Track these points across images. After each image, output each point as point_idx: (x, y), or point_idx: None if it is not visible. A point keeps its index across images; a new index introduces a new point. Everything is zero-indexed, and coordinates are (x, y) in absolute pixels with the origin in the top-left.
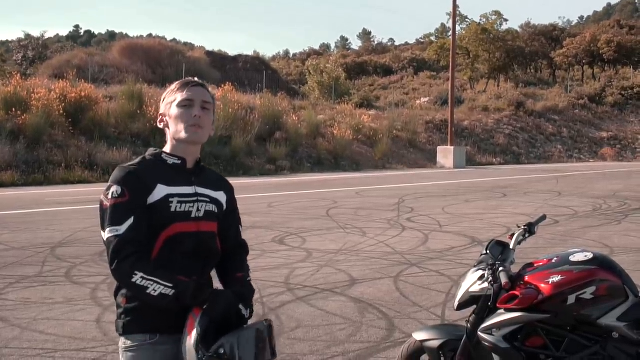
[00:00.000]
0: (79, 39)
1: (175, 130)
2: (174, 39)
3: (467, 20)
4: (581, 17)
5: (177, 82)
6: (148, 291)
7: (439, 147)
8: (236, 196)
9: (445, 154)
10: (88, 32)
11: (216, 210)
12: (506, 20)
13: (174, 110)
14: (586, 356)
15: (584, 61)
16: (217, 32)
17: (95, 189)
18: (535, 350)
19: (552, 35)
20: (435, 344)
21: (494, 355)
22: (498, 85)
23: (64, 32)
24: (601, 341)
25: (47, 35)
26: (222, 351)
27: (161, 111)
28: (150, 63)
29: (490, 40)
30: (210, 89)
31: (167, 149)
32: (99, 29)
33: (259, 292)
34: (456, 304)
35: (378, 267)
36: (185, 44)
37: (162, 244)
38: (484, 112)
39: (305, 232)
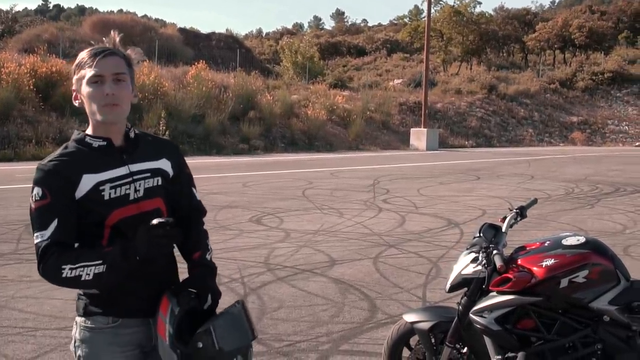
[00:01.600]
0: (48, 12)
1: (89, 110)
2: (145, 15)
3: (441, 2)
4: (552, 2)
5: (86, 51)
6: (82, 278)
7: (412, 129)
8: (211, 175)
9: (418, 136)
10: (57, 6)
11: (160, 182)
12: (480, 3)
13: (85, 89)
14: (577, 339)
15: (555, 46)
16: (188, 9)
17: None
18: (527, 333)
19: (525, 20)
20: (425, 325)
21: (485, 337)
22: (471, 68)
23: (32, 6)
24: (592, 324)
25: (15, 9)
26: (200, 345)
27: (73, 87)
28: (122, 39)
29: (464, 23)
30: (122, 51)
31: (90, 129)
32: (68, 3)
33: (240, 272)
34: (448, 286)
35: (357, 248)
36: (157, 20)
37: (108, 234)
38: (456, 94)
39: (282, 212)
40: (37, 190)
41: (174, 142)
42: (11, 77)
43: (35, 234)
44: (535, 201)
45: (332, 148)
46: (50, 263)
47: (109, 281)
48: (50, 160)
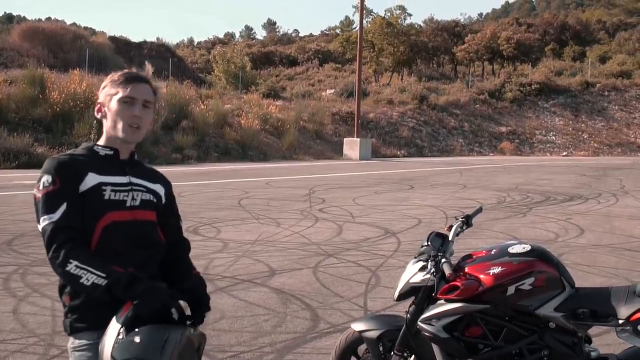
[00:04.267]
0: None
1: (112, 125)
2: (74, 23)
3: (372, 13)
4: (480, 14)
5: (121, 73)
6: (81, 280)
7: (345, 139)
8: None
9: (352, 146)
10: None
11: (154, 200)
12: (410, 14)
13: (114, 105)
14: (524, 345)
15: (484, 57)
16: (117, 17)
17: None
18: (475, 340)
19: (454, 31)
20: (374, 334)
21: (433, 345)
22: (402, 79)
23: None
24: (538, 331)
25: None
26: (137, 339)
27: (100, 99)
28: (51, 47)
29: (395, 34)
30: (153, 84)
31: (102, 141)
32: None
33: None
34: (396, 294)
35: (296, 258)
36: (86, 28)
37: (99, 234)
38: (388, 105)
39: (219, 222)
40: (47, 178)
41: (167, 178)
42: None
43: (42, 218)
44: (480, 210)
45: (266, 158)
46: (60, 253)
47: (101, 296)
48: (60, 155)
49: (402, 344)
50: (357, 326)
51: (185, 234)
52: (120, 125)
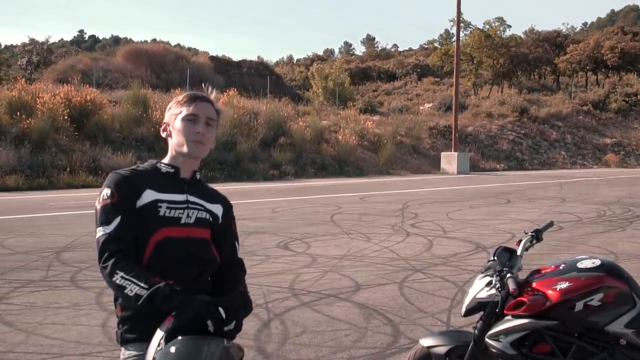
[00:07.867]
0: (83, 43)
1: (177, 142)
2: (178, 44)
3: (470, 26)
4: (585, 24)
5: (184, 94)
6: (126, 291)
7: (442, 153)
8: (241, 201)
9: (449, 160)
10: (92, 36)
11: (210, 219)
12: (509, 26)
13: (179, 124)
14: None
15: (587, 67)
16: (221, 36)
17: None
18: (543, 357)
19: (556, 42)
20: (442, 350)
21: None
22: (502, 91)
23: (68, 37)
24: (609, 348)
25: (51, 40)
26: (172, 349)
27: (165, 120)
28: (154, 68)
29: (494, 47)
30: (216, 104)
31: (167, 159)
32: (103, 33)
33: (264, 297)
34: (463, 310)
35: (382, 273)
36: (189, 48)
37: (152, 249)
38: (487, 118)
39: (309, 238)
40: (106, 191)
41: (229, 200)
42: (46, 107)
43: (98, 229)
44: (551, 224)
45: (362, 173)
46: (109, 264)
47: (144, 307)
48: (123, 170)
49: None
50: (426, 342)
51: (276, 249)
52: (184, 142)
